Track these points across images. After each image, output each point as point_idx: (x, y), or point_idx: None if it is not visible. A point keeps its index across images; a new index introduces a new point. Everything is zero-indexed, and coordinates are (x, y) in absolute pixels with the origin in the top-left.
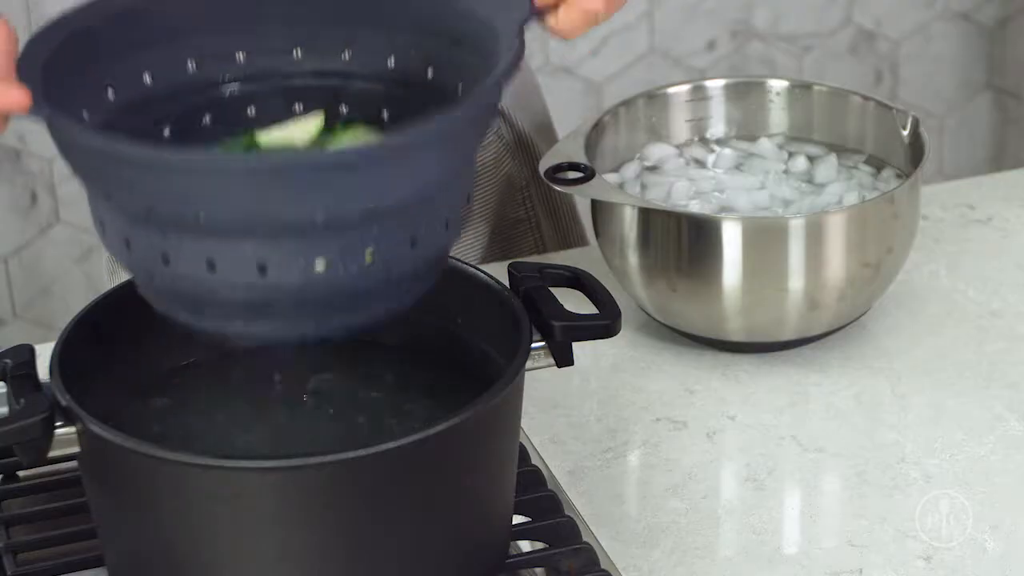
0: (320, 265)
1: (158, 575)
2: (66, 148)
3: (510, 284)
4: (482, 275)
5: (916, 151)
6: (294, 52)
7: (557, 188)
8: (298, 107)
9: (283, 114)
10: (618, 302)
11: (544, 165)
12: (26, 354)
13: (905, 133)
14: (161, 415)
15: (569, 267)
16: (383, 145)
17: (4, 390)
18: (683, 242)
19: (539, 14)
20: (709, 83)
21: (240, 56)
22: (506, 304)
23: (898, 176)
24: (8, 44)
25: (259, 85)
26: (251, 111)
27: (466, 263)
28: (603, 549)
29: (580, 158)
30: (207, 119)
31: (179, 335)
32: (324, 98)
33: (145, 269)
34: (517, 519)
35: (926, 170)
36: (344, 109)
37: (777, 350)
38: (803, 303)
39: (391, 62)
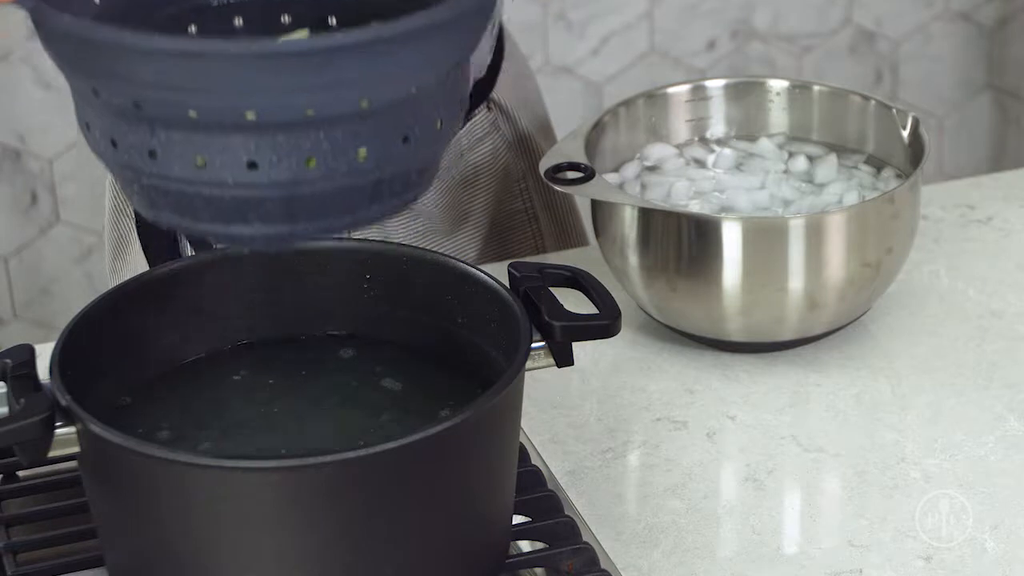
0: (311, 161)
1: (158, 575)
2: (53, 39)
3: (510, 284)
4: (482, 275)
5: (916, 151)
6: None
7: (557, 188)
8: (285, 18)
9: (270, 24)
10: (618, 302)
11: (544, 165)
12: (26, 354)
13: (905, 133)
14: (161, 415)
15: (569, 267)
16: (379, 32)
17: (4, 390)
18: (683, 242)
19: None
20: (709, 83)
21: None
22: (506, 304)
23: (898, 176)
24: None
25: None
26: (238, 22)
27: (466, 263)
28: (603, 549)
29: (580, 158)
30: (192, 28)
31: (179, 335)
32: (312, 9)
33: (132, 168)
34: (517, 519)
35: (926, 170)
36: (333, 21)
37: (777, 350)
38: (803, 303)
39: None
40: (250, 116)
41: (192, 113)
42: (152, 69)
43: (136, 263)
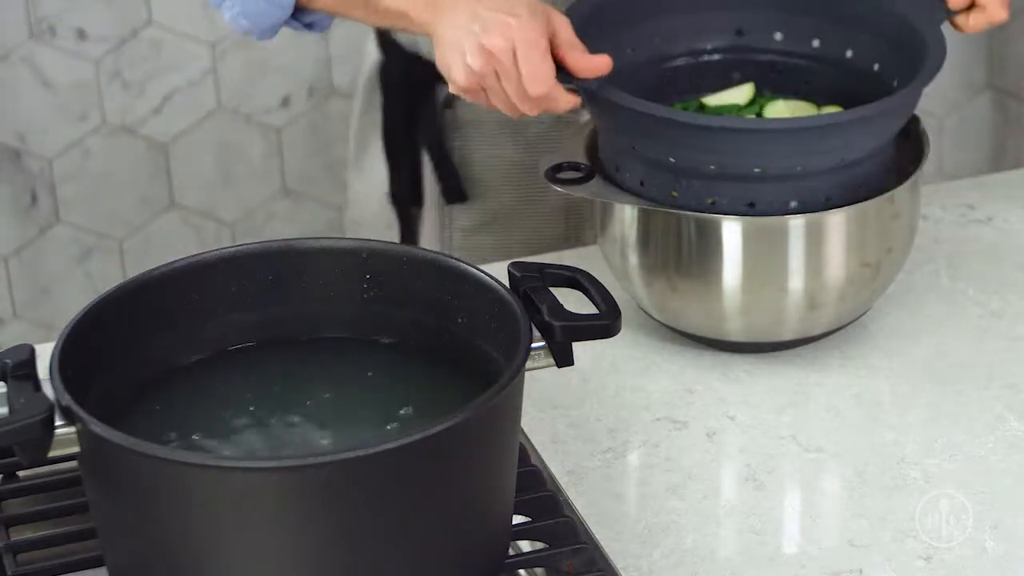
0: (793, 204)
1: (158, 575)
2: (605, 109)
3: (510, 284)
4: (482, 275)
5: (916, 151)
6: (737, 33)
7: (557, 188)
8: (736, 76)
9: (725, 81)
10: (618, 302)
11: (544, 165)
12: (26, 354)
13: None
14: (161, 415)
15: (569, 267)
16: (856, 114)
17: (4, 390)
18: (683, 242)
19: (951, 14)
20: None
21: (706, 34)
22: (506, 304)
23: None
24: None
25: (709, 57)
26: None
27: (467, 263)
28: (603, 549)
29: (580, 158)
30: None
31: (179, 335)
32: (757, 70)
33: (654, 201)
34: (517, 519)
35: (926, 170)
36: (773, 78)
37: (777, 350)
38: (803, 303)
39: (815, 44)
40: (757, 171)
41: (711, 168)
42: (687, 137)
43: (374, 162)
